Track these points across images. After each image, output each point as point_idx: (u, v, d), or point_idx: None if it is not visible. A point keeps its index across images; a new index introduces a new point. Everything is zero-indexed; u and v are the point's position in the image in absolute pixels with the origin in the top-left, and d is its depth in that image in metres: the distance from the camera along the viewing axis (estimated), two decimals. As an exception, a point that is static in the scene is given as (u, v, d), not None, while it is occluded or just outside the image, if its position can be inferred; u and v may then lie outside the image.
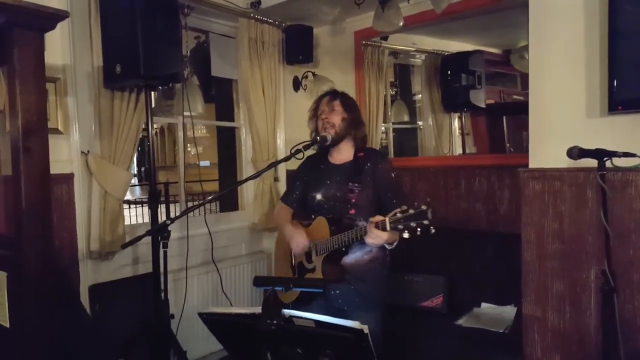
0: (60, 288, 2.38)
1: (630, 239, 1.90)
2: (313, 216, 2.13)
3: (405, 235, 1.68)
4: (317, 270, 2.01)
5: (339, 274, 2.02)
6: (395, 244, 1.84)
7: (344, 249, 1.97)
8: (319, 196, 2.12)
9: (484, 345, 2.33)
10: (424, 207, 1.66)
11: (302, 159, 2.09)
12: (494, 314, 2.64)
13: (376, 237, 1.76)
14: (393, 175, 2.11)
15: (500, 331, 2.42)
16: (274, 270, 2.40)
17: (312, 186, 2.17)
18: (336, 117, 2.10)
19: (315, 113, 2.19)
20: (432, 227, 1.65)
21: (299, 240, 2.05)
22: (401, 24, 2.78)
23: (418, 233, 1.66)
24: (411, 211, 1.68)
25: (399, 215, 1.69)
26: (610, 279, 1.71)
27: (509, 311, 2.59)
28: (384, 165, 2.12)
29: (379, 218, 1.76)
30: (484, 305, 2.73)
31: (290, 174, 2.20)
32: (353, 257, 2.04)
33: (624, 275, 1.87)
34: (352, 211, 2.03)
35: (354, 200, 2.03)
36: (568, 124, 2.06)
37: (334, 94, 2.19)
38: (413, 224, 1.66)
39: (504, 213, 2.86)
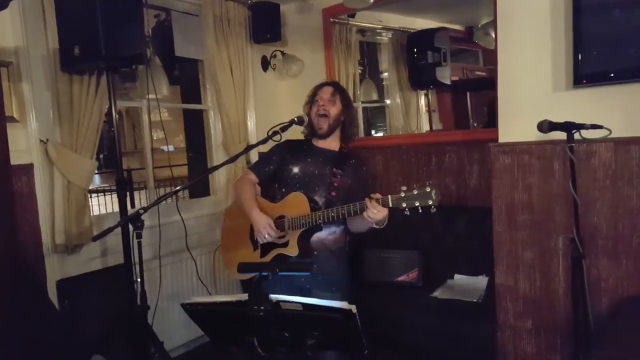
0: (26, 285, 2.29)
1: (595, 207, 2.00)
2: (284, 190, 2.10)
3: (406, 212, 1.74)
4: (292, 246, 1.98)
5: (310, 249, 2.03)
6: (385, 223, 1.84)
7: (323, 224, 1.96)
8: (295, 169, 2.10)
9: (460, 315, 2.41)
10: (427, 189, 1.71)
11: (278, 140, 2.05)
12: (467, 284, 2.73)
13: (377, 213, 1.77)
14: (370, 182, 2.22)
15: (474, 301, 2.50)
16: (221, 244, 2.28)
17: (290, 160, 2.13)
18: (333, 108, 2.11)
19: (312, 98, 2.17)
20: (433, 207, 1.70)
21: (269, 231, 1.97)
22: (372, 0, 2.75)
23: (420, 211, 1.71)
24: (415, 191, 1.72)
25: (402, 194, 1.73)
26: (579, 246, 1.78)
27: (481, 281, 2.69)
28: (367, 169, 2.21)
29: (379, 195, 1.78)
30: (457, 276, 2.82)
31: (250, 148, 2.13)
32: (319, 235, 2.05)
33: (589, 241, 1.97)
34: (334, 193, 2.04)
35: (336, 184, 2.04)
36: (535, 98, 2.12)
37: (336, 87, 2.19)
38: (416, 203, 1.71)
39: (474, 187, 2.94)
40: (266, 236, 1.98)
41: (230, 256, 2.22)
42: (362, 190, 2.06)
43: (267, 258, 2.04)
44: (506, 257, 2.25)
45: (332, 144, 2.17)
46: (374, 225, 1.86)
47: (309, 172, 2.09)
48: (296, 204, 1.99)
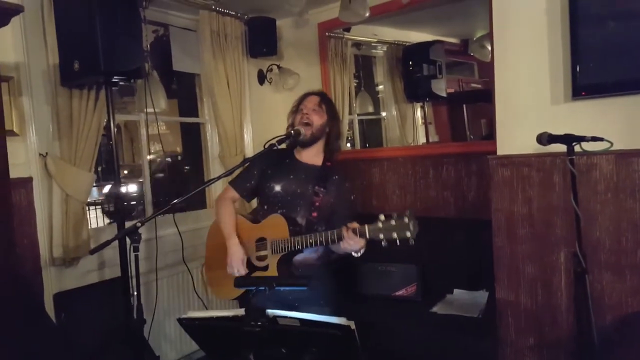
0: (23, 297, 2.26)
1: (597, 220, 1.98)
2: (266, 207, 2.06)
3: (384, 244, 1.67)
4: (271, 269, 1.94)
5: (291, 273, 1.98)
6: (362, 252, 1.80)
7: (302, 249, 1.92)
8: (277, 187, 2.04)
9: (460, 331, 2.37)
10: (406, 220, 1.64)
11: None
12: (466, 299, 2.70)
13: (354, 244, 1.73)
14: (352, 197, 2.12)
15: (475, 316, 2.47)
16: (205, 262, 2.24)
17: (271, 176, 2.07)
18: (317, 118, 2.05)
19: (297, 107, 2.11)
20: (412, 240, 1.63)
21: (239, 269, 1.94)
22: (367, 14, 2.77)
23: (397, 244, 1.65)
24: (392, 222, 1.65)
25: (380, 224, 1.67)
26: (582, 260, 1.76)
27: (481, 296, 2.66)
28: (349, 185, 2.12)
29: (356, 225, 1.73)
30: (456, 291, 2.79)
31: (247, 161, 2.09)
32: (302, 255, 2.01)
33: (592, 256, 1.95)
34: (315, 214, 1.98)
35: (317, 204, 1.99)
36: (533, 110, 2.12)
37: (323, 97, 2.13)
38: (394, 235, 1.65)
39: (472, 200, 2.92)
40: (235, 272, 1.95)
41: (213, 275, 2.17)
42: (344, 208, 2.03)
43: None
44: (507, 271, 2.22)
45: (314, 157, 2.09)
46: (353, 254, 1.82)
47: (290, 190, 2.02)
48: (276, 226, 1.94)
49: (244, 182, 2.13)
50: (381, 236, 1.67)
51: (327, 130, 2.08)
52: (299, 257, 2.00)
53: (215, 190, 3.43)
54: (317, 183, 2.02)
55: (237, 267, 1.95)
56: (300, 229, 1.95)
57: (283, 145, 2.04)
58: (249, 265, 2.01)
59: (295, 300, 2.00)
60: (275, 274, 1.92)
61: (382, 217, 1.68)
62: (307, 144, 2.06)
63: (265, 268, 1.97)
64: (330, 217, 2.01)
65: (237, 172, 2.11)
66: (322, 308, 1.98)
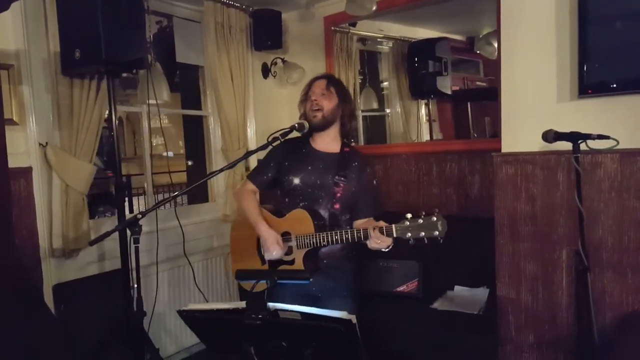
0: (22, 288, 2.26)
1: (600, 219, 1.97)
2: (287, 200, 2.04)
3: (411, 242, 1.68)
4: (297, 264, 1.94)
5: (316, 267, 1.98)
6: (390, 247, 1.79)
7: (327, 245, 1.91)
8: (296, 180, 2.00)
9: (460, 327, 2.36)
10: (434, 218, 1.65)
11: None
12: (467, 296, 2.69)
13: (381, 243, 1.73)
14: (375, 182, 2.11)
15: (475, 313, 2.46)
16: (231, 254, 2.21)
17: (289, 169, 2.03)
18: (327, 102, 1.99)
19: (305, 96, 2.06)
20: (440, 239, 1.65)
21: (276, 250, 1.92)
22: (374, 8, 2.75)
23: (425, 242, 1.66)
24: (420, 221, 1.66)
25: (407, 223, 1.68)
26: (585, 258, 1.75)
27: (482, 293, 2.65)
28: (370, 170, 2.09)
29: (383, 224, 1.73)
30: (457, 288, 2.78)
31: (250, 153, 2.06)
32: (327, 247, 1.99)
33: (594, 254, 1.94)
34: (337, 205, 1.96)
35: (339, 195, 1.96)
36: (539, 108, 2.11)
37: (330, 79, 2.07)
38: (422, 234, 1.66)
39: (475, 197, 2.91)
40: (274, 254, 1.93)
41: (240, 266, 2.15)
42: (367, 196, 2.02)
43: None
44: (508, 269, 2.22)
45: (331, 144, 2.04)
46: (383, 249, 1.81)
47: (310, 182, 1.99)
48: (300, 221, 1.93)
49: (260, 175, 2.11)
50: (409, 235, 1.68)
51: (340, 113, 2.02)
52: (324, 249, 1.99)
53: (218, 183, 3.42)
54: (337, 172, 1.98)
55: (274, 249, 1.92)
56: (324, 223, 1.94)
57: (297, 134, 2.01)
58: (275, 260, 1.99)
59: (319, 291, 1.99)
60: (302, 268, 1.92)
61: (408, 215, 1.69)
62: (320, 128, 2.00)
63: (292, 262, 1.96)
64: (354, 206, 1.99)
65: (245, 165, 2.09)
66: (344, 299, 1.98)
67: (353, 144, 2.27)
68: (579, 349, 1.90)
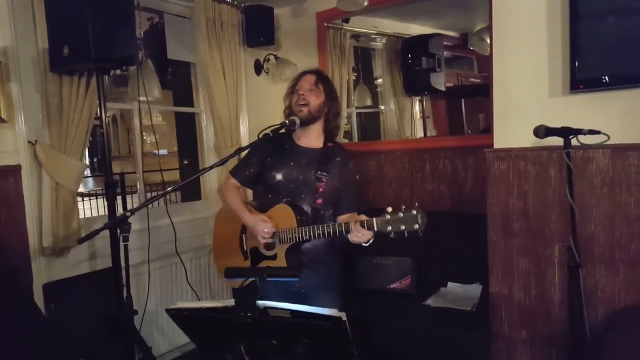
0: (11, 287, 2.23)
1: (592, 214, 1.97)
2: (270, 195, 2.03)
3: (392, 236, 1.69)
4: (280, 259, 1.94)
5: (299, 262, 1.98)
6: (371, 241, 1.80)
7: (310, 240, 1.91)
8: (279, 176, 2.00)
9: (453, 324, 2.36)
10: (414, 212, 1.66)
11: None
12: (460, 292, 2.69)
13: (362, 236, 1.74)
14: (357, 177, 2.12)
15: (468, 309, 2.46)
16: (213, 251, 2.21)
17: (272, 165, 2.03)
18: (313, 98, 1.99)
19: (292, 89, 2.05)
20: (420, 232, 1.66)
21: (266, 227, 1.90)
22: (366, 3, 2.74)
23: (406, 235, 1.67)
24: (400, 214, 1.67)
25: (387, 217, 1.69)
26: (576, 254, 1.75)
27: (475, 289, 2.65)
28: (353, 165, 2.09)
29: (364, 217, 1.74)
30: (450, 284, 2.78)
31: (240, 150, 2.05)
32: (310, 242, 1.99)
33: (586, 250, 1.94)
34: (319, 200, 1.97)
35: (321, 190, 1.97)
36: (531, 103, 2.10)
37: (319, 75, 2.06)
38: (402, 227, 1.66)
39: (468, 194, 2.91)
40: (265, 231, 1.90)
41: (223, 262, 2.15)
42: (349, 192, 2.03)
43: None
44: (501, 265, 2.21)
45: (314, 140, 2.04)
46: (363, 244, 1.82)
47: (293, 178, 1.99)
48: (283, 216, 1.94)
49: (243, 170, 2.11)
50: (389, 229, 1.69)
51: (325, 110, 2.02)
52: (306, 244, 1.99)
53: (210, 181, 3.40)
54: (320, 167, 1.99)
55: (262, 227, 1.90)
56: (307, 218, 1.94)
57: (282, 130, 2.00)
58: (257, 255, 2.00)
59: (302, 287, 2.00)
60: (284, 262, 1.92)
61: (389, 209, 1.70)
62: (304, 123, 1.98)
63: (274, 257, 1.96)
64: (337, 202, 2.00)
65: (236, 161, 2.09)
66: (328, 293, 1.99)
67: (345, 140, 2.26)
68: (572, 344, 1.90)
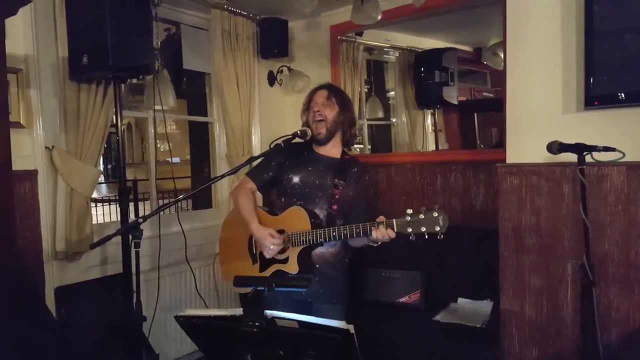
0: (24, 290, 2.26)
1: (606, 232, 1.94)
2: (283, 199, 2.04)
3: (412, 237, 1.69)
4: (291, 263, 1.92)
5: (310, 267, 1.97)
6: (379, 243, 1.81)
7: (325, 242, 1.91)
8: (296, 179, 2.02)
9: (463, 340, 2.33)
10: (435, 214, 1.65)
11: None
12: (470, 308, 2.65)
13: (384, 235, 1.73)
14: (372, 191, 2.15)
15: (478, 326, 2.43)
16: (219, 254, 2.19)
17: (290, 167, 2.05)
18: (328, 111, 2.03)
19: (308, 105, 2.10)
20: (441, 234, 1.65)
21: (273, 243, 1.89)
22: (379, 17, 2.76)
23: (426, 237, 1.66)
24: (421, 216, 1.66)
25: (408, 218, 1.69)
26: (590, 273, 1.72)
27: (485, 306, 2.61)
28: (368, 179, 2.12)
29: (383, 219, 1.74)
30: (460, 300, 2.74)
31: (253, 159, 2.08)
32: (318, 251, 2.00)
33: (599, 268, 1.90)
34: (335, 207, 1.97)
35: (337, 197, 1.98)
36: (545, 119, 2.09)
37: (331, 89, 2.10)
38: (423, 229, 1.66)
39: (479, 208, 2.89)
40: (271, 247, 1.90)
41: (228, 267, 2.15)
42: (363, 202, 2.04)
43: (267, 273, 1.99)
44: (512, 281, 2.18)
45: (332, 150, 2.08)
46: (372, 244, 1.82)
47: (309, 182, 2.01)
48: (296, 218, 1.93)
49: (261, 172, 2.11)
50: (409, 230, 1.68)
51: (340, 119, 2.05)
52: (315, 252, 1.99)
53: (222, 189, 3.42)
54: (337, 175, 2.01)
55: (270, 242, 1.89)
56: (320, 222, 1.93)
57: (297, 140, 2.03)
58: (267, 259, 1.98)
59: (309, 297, 1.99)
60: (296, 266, 1.91)
61: (409, 211, 1.69)
62: (325, 140, 2.04)
63: (285, 261, 1.94)
64: (349, 211, 2.00)
65: (254, 164, 2.10)
66: (333, 306, 1.98)
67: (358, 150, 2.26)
68: (584, 365, 1.87)
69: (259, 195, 2.29)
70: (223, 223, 2.24)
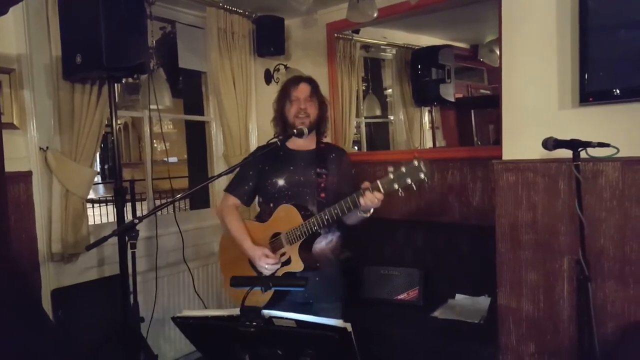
0: (20, 293, 2.25)
1: (601, 228, 1.94)
2: (271, 204, 2.02)
3: (400, 193, 1.66)
4: (294, 260, 1.91)
5: (314, 260, 1.95)
6: (372, 211, 1.80)
7: (320, 230, 1.90)
8: (281, 182, 2.01)
9: (460, 336, 2.34)
10: (415, 163, 1.63)
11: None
12: (468, 304, 2.66)
13: (372, 199, 1.71)
14: (353, 171, 2.13)
15: (476, 322, 2.44)
16: (224, 279, 2.15)
17: (271, 172, 2.04)
18: (313, 110, 2.04)
19: (286, 95, 2.07)
20: (427, 180, 1.62)
21: (267, 262, 1.90)
22: (375, 15, 2.75)
23: (414, 188, 1.64)
24: (403, 169, 1.64)
25: (390, 176, 1.66)
26: (585, 268, 1.73)
27: (483, 302, 2.62)
28: (347, 159, 2.13)
29: (368, 184, 1.72)
30: (458, 296, 2.75)
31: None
32: (318, 247, 2.00)
33: (595, 264, 1.91)
34: (323, 195, 1.98)
35: (323, 185, 1.98)
36: (540, 115, 2.08)
37: (312, 84, 2.09)
38: (408, 180, 1.64)
39: (477, 205, 2.89)
40: (266, 267, 1.91)
41: (236, 291, 2.09)
42: (348, 182, 2.05)
43: None
44: (509, 277, 2.19)
45: (308, 143, 2.08)
46: (365, 215, 1.82)
47: (295, 181, 2.01)
48: (287, 217, 1.92)
49: (241, 185, 2.10)
50: (396, 186, 1.66)
51: (320, 115, 2.08)
52: (316, 249, 1.98)
53: (219, 189, 3.42)
54: (318, 165, 2.02)
55: (264, 262, 1.90)
56: (311, 213, 1.93)
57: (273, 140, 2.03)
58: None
59: (310, 296, 1.98)
60: (300, 263, 1.90)
61: (390, 168, 1.68)
62: (305, 136, 2.02)
63: (288, 261, 1.93)
64: (337, 197, 1.96)
65: (230, 178, 2.09)
66: (331, 304, 1.99)
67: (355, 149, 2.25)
68: (581, 359, 1.87)
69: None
70: (219, 247, 2.21)
